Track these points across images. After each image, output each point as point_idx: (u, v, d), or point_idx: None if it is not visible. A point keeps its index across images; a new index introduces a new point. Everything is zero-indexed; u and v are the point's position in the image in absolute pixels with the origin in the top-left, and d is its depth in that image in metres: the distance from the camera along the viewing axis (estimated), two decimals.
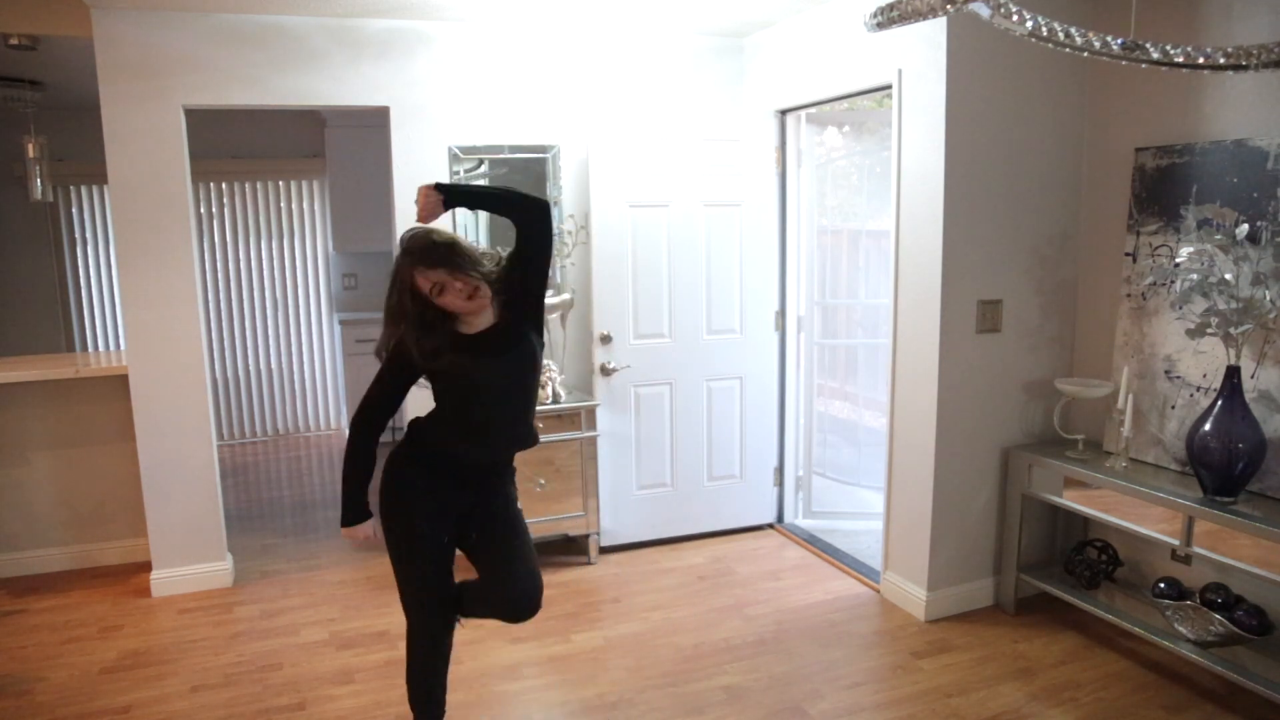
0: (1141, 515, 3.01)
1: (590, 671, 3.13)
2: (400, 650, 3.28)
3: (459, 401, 2.38)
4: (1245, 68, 1.89)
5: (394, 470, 2.43)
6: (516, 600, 2.48)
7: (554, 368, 4.00)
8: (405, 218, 3.97)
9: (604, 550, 4.15)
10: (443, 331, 2.30)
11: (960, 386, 3.36)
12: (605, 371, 4.08)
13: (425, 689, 2.56)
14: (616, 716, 2.86)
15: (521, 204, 2.36)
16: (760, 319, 4.35)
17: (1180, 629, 2.89)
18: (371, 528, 2.43)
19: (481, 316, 2.34)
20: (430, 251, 2.21)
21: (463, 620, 2.59)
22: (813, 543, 4.27)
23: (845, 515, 4.54)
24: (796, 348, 4.46)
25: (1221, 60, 1.90)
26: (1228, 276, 2.75)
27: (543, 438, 3.92)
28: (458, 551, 2.51)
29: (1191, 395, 3.05)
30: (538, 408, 3.92)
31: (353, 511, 2.40)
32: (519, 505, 2.58)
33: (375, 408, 2.38)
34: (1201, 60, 1.90)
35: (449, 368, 2.31)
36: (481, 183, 2.13)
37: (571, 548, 4.21)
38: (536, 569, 2.52)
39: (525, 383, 2.43)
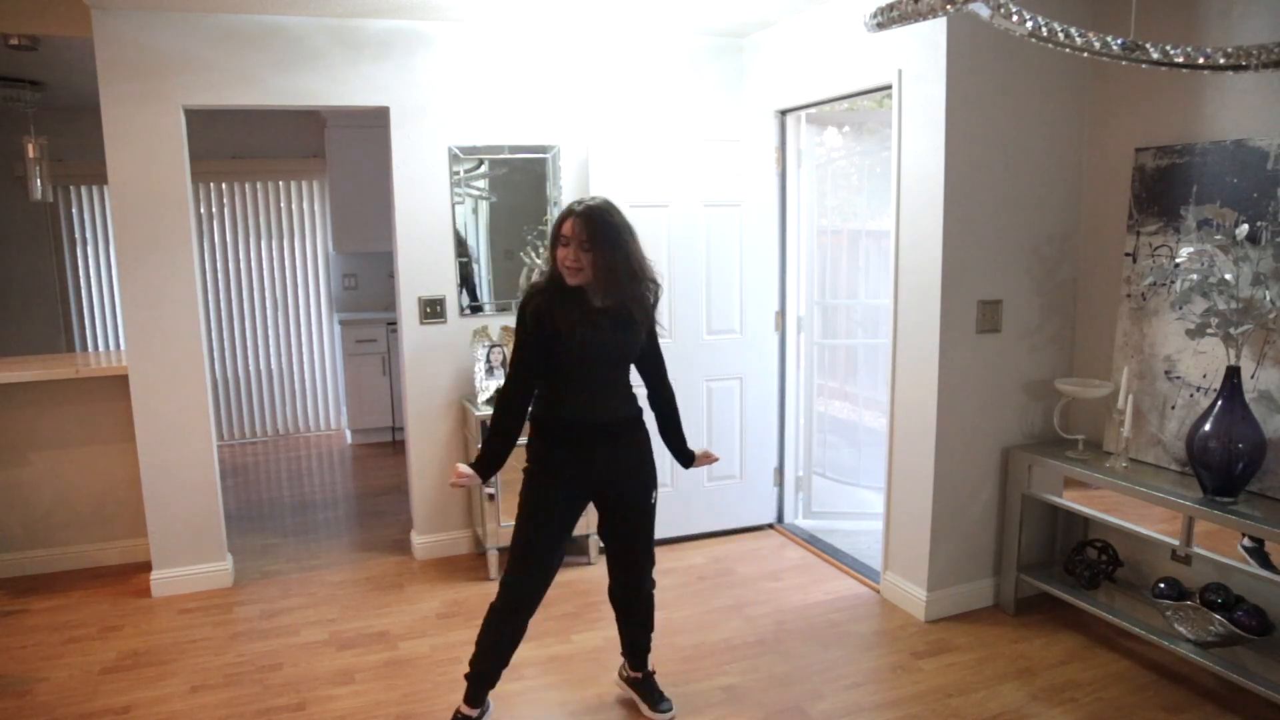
0: (1141, 515, 3.01)
1: (590, 671, 3.13)
2: (400, 650, 3.29)
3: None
4: (1245, 68, 1.89)
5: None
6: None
7: None
8: (405, 218, 3.97)
9: (604, 550, 4.14)
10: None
11: (960, 386, 3.36)
12: None
13: (486, 654, 2.67)
14: (616, 717, 2.86)
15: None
16: (760, 319, 4.35)
17: (1180, 629, 2.89)
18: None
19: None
20: (591, 216, 2.45)
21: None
22: (813, 543, 4.27)
23: (845, 515, 4.54)
24: (796, 348, 4.46)
25: (1221, 60, 1.90)
26: (1228, 277, 2.75)
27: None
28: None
29: (1191, 395, 3.05)
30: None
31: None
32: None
33: None
34: (1201, 60, 1.90)
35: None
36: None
37: (571, 548, 4.18)
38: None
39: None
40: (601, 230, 2.43)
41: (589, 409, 2.59)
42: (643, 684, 2.90)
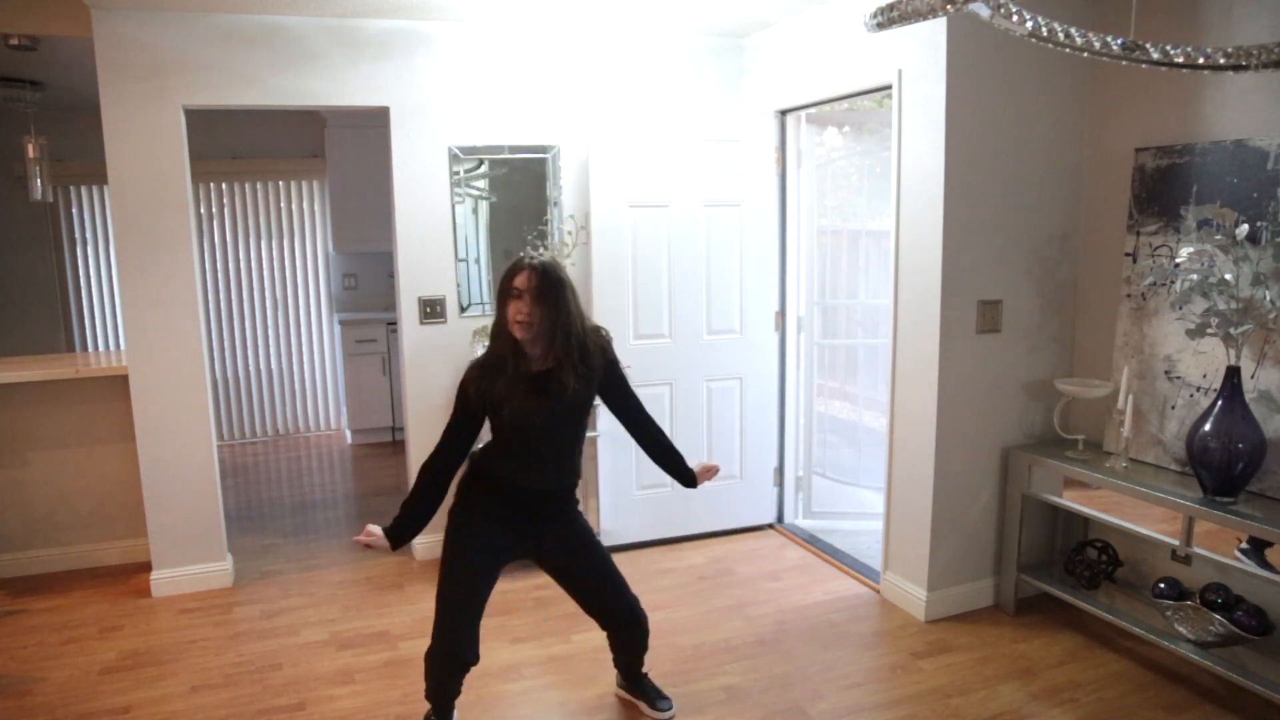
0: (1141, 515, 3.01)
1: (590, 671, 3.13)
2: (400, 650, 3.29)
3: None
4: (1245, 68, 1.89)
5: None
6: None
7: None
8: (405, 218, 3.97)
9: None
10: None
11: (960, 386, 3.36)
12: None
13: (437, 689, 2.65)
14: (616, 717, 2.86)
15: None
16: (760, 319, 4.35)
17: (1180, 629, 2.89)
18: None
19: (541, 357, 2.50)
20: (544, 270, 2.46)
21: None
22: (813, 543, 4.27)
23: (845, 515, 4.54)
24: (796, 348, 4.46)
25: (1221, 60, 1.90)
26: (1228, 277, 2.75)
27: None
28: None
29: (1191, 395, 3.05)
30: None
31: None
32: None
33: None
34: (1201, 60, 1.90)
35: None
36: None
37: None
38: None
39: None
40: (553, 285, 2.45)
41: (524, 474, 2.57)
42: (639, 686, 2.90)
